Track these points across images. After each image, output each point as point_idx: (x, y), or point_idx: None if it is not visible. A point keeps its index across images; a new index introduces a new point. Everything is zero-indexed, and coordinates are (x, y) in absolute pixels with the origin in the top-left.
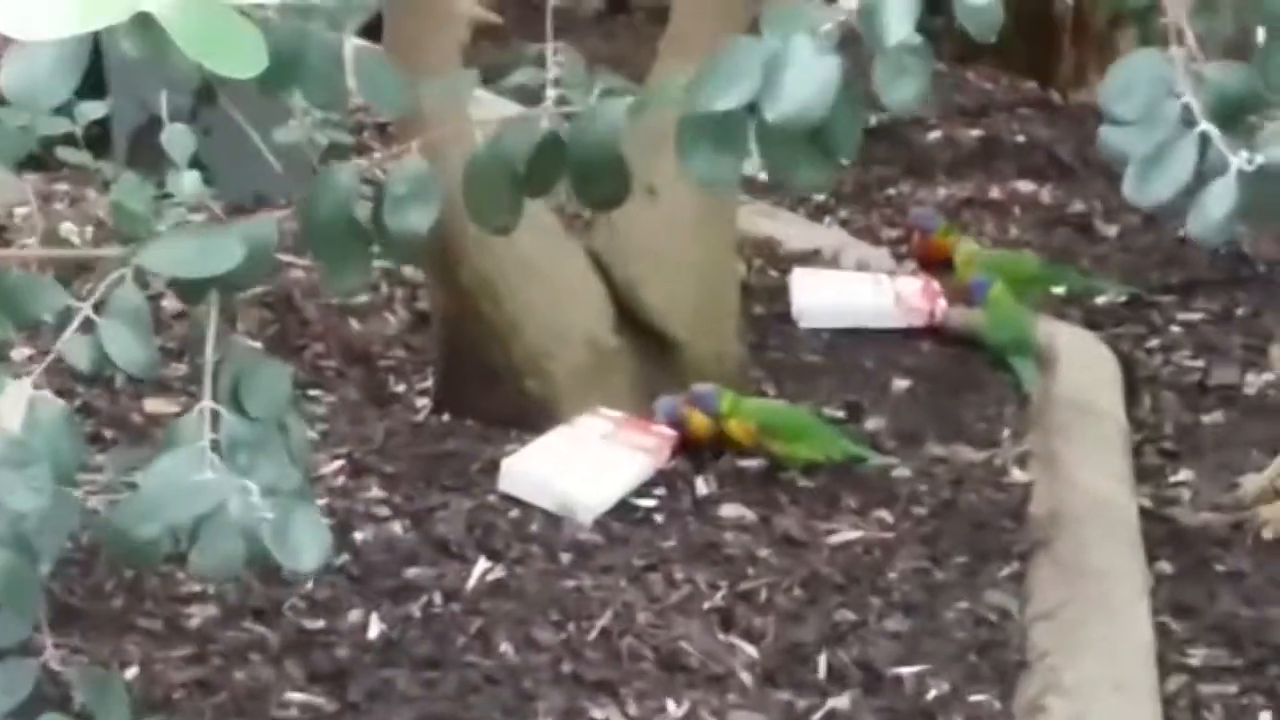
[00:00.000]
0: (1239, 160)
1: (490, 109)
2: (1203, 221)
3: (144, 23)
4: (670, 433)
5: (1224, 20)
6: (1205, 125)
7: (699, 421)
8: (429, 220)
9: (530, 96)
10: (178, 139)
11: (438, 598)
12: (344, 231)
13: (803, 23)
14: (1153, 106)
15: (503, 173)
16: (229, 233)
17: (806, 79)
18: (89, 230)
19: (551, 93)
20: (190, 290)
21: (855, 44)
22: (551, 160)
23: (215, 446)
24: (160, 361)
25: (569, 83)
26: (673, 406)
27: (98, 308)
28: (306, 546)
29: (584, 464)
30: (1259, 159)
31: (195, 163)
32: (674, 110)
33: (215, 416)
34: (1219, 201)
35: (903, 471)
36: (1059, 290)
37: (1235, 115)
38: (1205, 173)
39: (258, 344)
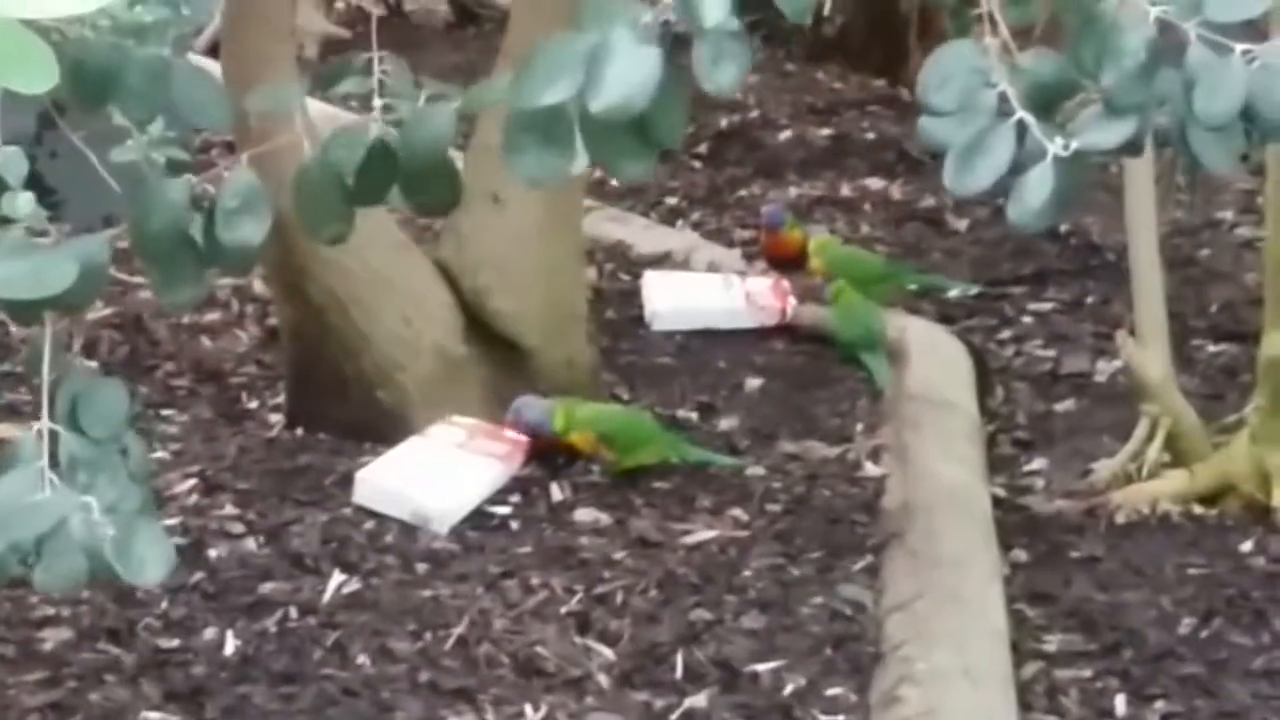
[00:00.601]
0: (1055, 147)
1: (331, 121)
2: (1022, 208)
3: None
4: (522, 439)
5: (1035, 9)
6: (1022, 113)
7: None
8: (261, 232)
9: (363, 107)
10: (10, 161)
11: (294, 612)
12: (175, 244)
13: (622, 16)
14: (969, 96)
15: (332, 182)
16: (61, 252)
17: (628, 70)
18: None
19: (378, 101)
20: (24, 311)
21: (684, 42)
22: (381, 168)
23: (56, 467)
24: (4, 385)
25: (396, 92)
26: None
27: None
28: (150, 561)
29: (438, 473)
30: (1075, 144)
31: (39, 185)
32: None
33: (55, 437)
34: (1037, 188)
35: (756, 469)
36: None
37: (1050, 103)
38: (1023, 160)
39: (108, 366)
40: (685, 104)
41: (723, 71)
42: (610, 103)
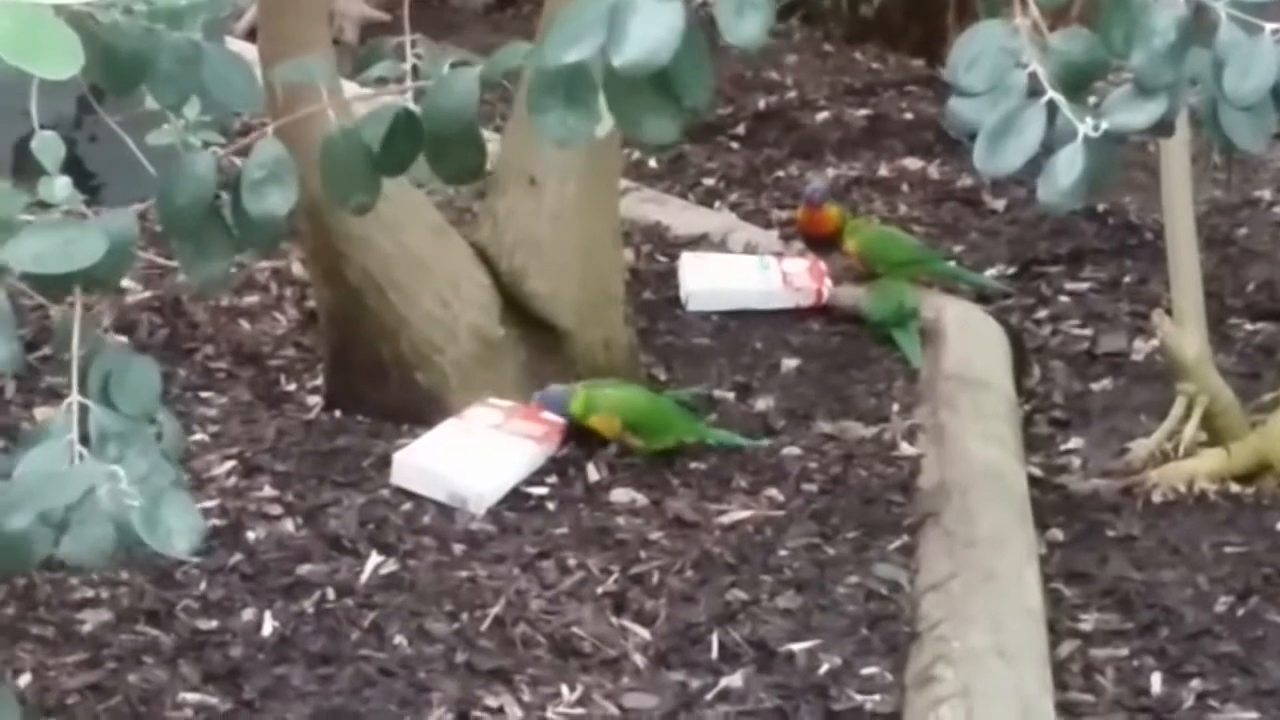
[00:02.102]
0: (1085, 127)
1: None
2: (1052, 188)
3: None
4: (559, 420)
5: None
6: (1052, 93)
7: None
8: (288, 203)
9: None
10: (48, 146)
11: (331, 593)
12: (203, 219)
13: None
14: (1000, 77)
15: (357, 151)
16: (90, 227)
17: (651, 24)
18: None
19: (409, 84)
20: (54, 285)
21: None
22: (406, 136)
23: (86, 441)
24: (22, 356)
25: (429, 75)
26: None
27: None
28: (178, 530)
29: (475, 455)
30: (1105, 125)
31: (78, 170)
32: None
33: (85, 412)
34: (1067, 168)
35: (792, 449)
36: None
37: (1080, 83)
38: (1053, 140)
39: (147, 348)
40: (710, 62)
41: (746, 23)
42: (633, 57)
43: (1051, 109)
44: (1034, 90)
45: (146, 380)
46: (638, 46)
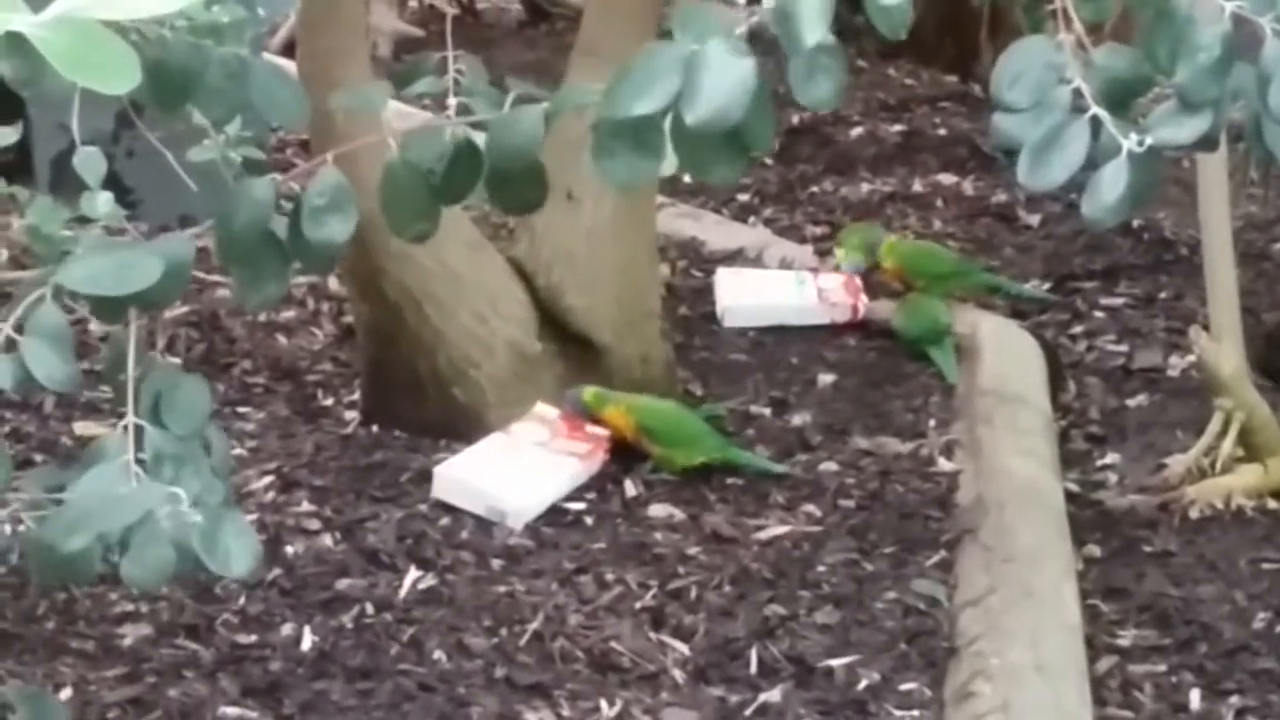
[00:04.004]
0: (1130, 143)
1: (405, 119)
2: (1096, 204)
3: (16, 43)
4: (604, 435)
5: (1109, 5)
6: (1096, 109)
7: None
8: (348, 230)
9: (437, 105)
10: (89, 161)
11: (370, 608)
12: (260, 244)
13: (716, 25)
14: (1043, 92)
15: (418, 181)
16: (146, 250)
17: (723, 81)
18: (4, 256)
19: (453, 100)
20: (109, 308)
21: (764, 40)
22: (467, 167)
23: (140, 462)
24: (82, 379)
25: (471, 89)
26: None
27: (19, 328)
28: (237, 553)
29: (516, 470)
30: (1149, 140)
31: (116, 185)
32: (586, 114)
33: (140, 433)
34: (1111, 184)
35: (830, 465)
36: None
37: (1124, 98)
38: (1097, 156)
39: (185, 363)
40: (774, 112)
41: (819, 87)
42: (707, 115)
43: (1094, 124)
44: (1077, 106)
45: (197, 399)
46: (711, 104)
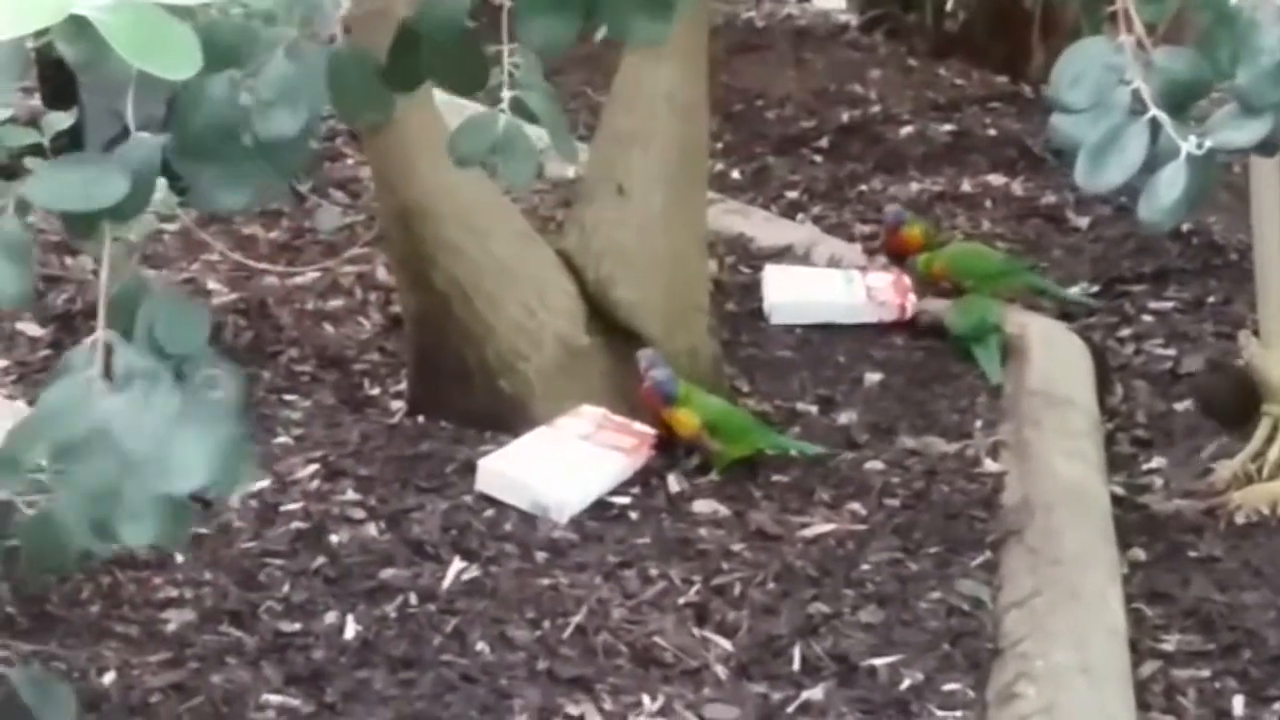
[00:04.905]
0: (1188, 145)
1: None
2: (1154, 206)
3: (79, 26)
4: (650, 431)
5: (1169, 6)
6: (1155, 111)
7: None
8: (297, 124)
9: (491, 96)
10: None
11: (413, 598)
12: (219, 142)
13: None
14: (1103, 94)
15: (365, 68)
16: (113, 164)
17: None
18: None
19: (507, 93)
20: (80, 223)
21: None
22: (409, 49)
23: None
24: (33, 293)
25: (525, 84)
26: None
27: None
28: (192, 464)
29: (561, 464)
30: (1208, 143)
31: (167, 171)
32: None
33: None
34: (1169, 186)
35: (875, 464)
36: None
37: (1184, 101)
38: (1154, 158)
39: (233, 351)
40: None
41: None
42: None
43: (1153, 126)
44: (1136, 108)
45: (194, 323)
46: None
